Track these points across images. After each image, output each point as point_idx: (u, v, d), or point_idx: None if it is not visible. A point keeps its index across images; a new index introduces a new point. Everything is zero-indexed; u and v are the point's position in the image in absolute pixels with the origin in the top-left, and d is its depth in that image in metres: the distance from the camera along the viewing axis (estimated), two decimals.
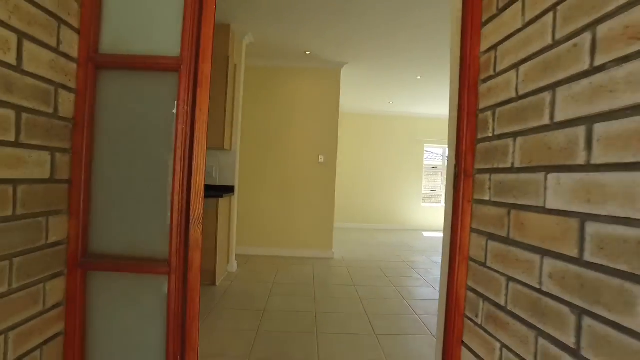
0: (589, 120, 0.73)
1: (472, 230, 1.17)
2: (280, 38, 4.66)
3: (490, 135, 1.10)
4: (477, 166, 1.17)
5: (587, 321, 0.71)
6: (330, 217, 5.31)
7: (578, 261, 0.74)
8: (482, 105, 1.16)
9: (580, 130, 0.75)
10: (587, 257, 0.72)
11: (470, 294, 1.17)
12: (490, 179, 1.09)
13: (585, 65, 0.75)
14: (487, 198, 1.10)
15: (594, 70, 0.73)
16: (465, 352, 1.18)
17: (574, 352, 0.74)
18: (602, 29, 0.71)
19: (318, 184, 5.29)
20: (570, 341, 0.75)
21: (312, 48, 4.96)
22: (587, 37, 0.75)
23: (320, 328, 3.01)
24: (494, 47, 1.10)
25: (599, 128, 0.71)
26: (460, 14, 1.26)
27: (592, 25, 0.73)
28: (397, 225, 8.58)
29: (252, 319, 3.11)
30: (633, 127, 0.64)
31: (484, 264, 1.10)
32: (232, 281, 4.12)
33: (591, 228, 0.71)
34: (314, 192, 5.30)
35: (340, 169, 7.87)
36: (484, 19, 1.17)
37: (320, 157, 5.27)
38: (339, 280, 4.34)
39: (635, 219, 0.62)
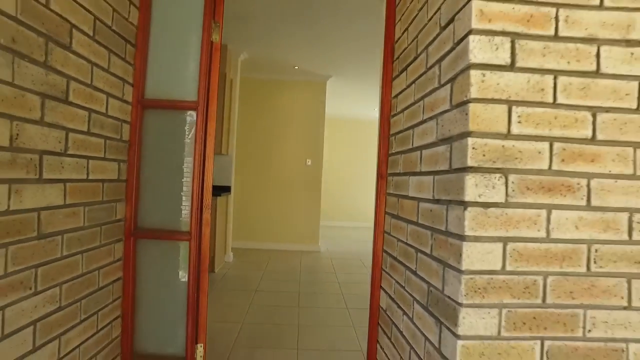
0: (423, 147, 1.37)
1: (386, 212, 1.82)
2: (271, 55, 5.31)
3: (393, 152, 1.74)
4: (389, 171, 1.81)
5: (419, 255, 1.35)
6: (317, 215, 5.94)
7: (416, 223, 1.38)
8: (391, 132, 1.80)
9: (417, 153, 1.40)
10: (421, 220, 1.35)
11: (384, 254, 1.81)
12: (392, 180, 1.73)
13: (421, 117, 1.39)
14: (391, 191, 1.74)
15: (423, 120, 1.37)
16: (382, 293, 1.82)
17: (414, 272, 1.38)
18: (429, 100, 1.35)
19: (306, 184, 5.93)
20: (414, 267, 1.39)
21: (300, 63, 5.60)
22: (422, 103, 1.39)
23: (302, 303, 3.64)
24: (396, 96, 1.75)
25: (424, 152, 1.35)
26: (381, 71, 1.90)
27: (423, 97, 1.38)
28: None
29: (246, 297, 3.74)
30: (429, 153, 1.28)
31: (389, 233, 1.74)
32: (229, 269, 4.75)
33: (421, 204, 1.35)
34: (302, 192, 5.94)
35: (327, 171, 8.51)
36: (393, 75, 1.82)
37: (307, 160, 5.90)
38: (323, 269, 4.97)
39: (423, 198, 1.26)
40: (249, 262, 5.12)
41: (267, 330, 2.97)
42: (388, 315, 1.67)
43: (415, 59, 1.49)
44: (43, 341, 1.21)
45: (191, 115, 1.80)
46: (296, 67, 5.72)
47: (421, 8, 1.43)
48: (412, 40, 1.54)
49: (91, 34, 1.39)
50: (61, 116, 1.25)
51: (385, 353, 1.70)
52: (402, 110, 1.64)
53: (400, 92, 1.68)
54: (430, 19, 1.33)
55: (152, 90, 1.79)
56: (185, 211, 1.81)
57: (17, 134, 1.06)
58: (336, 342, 2.85)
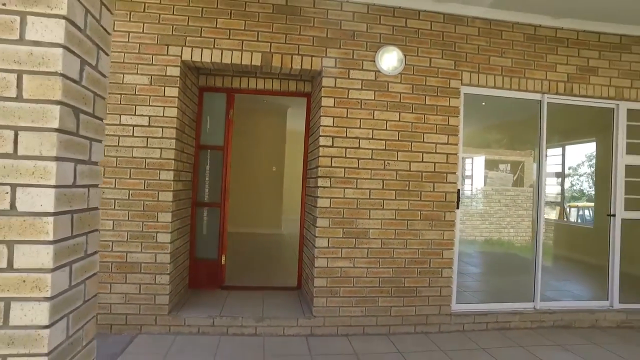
0: None
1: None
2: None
3: None
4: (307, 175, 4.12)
5: None
6: (280, 207, 8.21)
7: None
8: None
9: None
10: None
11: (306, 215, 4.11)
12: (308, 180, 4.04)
13: None
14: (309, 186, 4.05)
15: None
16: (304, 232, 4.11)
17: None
18: None
19: (272, 185, 8.19)
20: None
21: (268, 98, 7.85)
22: None
23: (266, 256, 5.91)
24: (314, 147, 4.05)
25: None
26: (304, 127, 4.22)
27: None
28: None
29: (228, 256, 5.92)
30: None
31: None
32: None
33: None
34: (269, 190, 8.19)
35: (288, 175, 10.78)
36: (310, 131, 4.11)
37: (273, 167, 8.17)
38: (283, 243, 7.27)
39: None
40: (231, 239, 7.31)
41: (247, 245, 5.21)
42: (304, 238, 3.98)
43: None
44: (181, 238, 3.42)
45: (220, 152, 4.04)
46: (265, 100, 7.97)
47: None
48: None
49: (187, 122, 3.61)
50: (186, 156, 3.47)
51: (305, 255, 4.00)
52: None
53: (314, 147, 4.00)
54: None
55: (203, 139, 4.01)
56: (218, 193, 4.04)
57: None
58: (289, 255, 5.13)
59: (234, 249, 6.22)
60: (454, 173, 3.56)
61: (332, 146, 3.37)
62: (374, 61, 3.44)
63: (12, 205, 1.09)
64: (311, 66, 3.40)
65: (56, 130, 1.11)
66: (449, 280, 3.54)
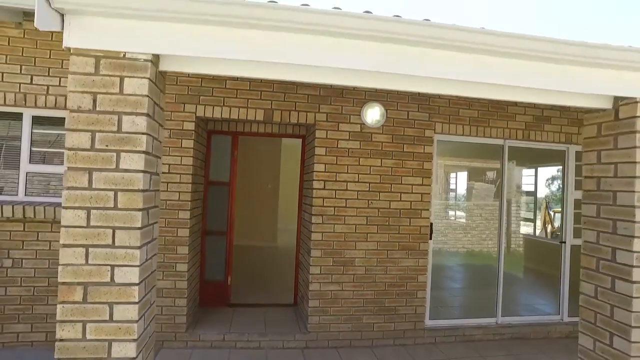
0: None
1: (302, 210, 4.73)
2: None
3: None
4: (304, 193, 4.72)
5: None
6: (275, 220, 8.81)
7: None
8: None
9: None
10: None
11: (302, 229, 4.72)
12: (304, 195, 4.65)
13: None
14: (304, 202, 4.66)
15: None
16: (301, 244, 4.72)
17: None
18: None
19: (268, 199, 8.78)
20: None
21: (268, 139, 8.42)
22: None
23: (265, 271, 6.50)
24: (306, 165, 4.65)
25: None
26: (300, 164, 4.82)
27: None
28: None
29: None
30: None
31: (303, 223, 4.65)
32: None
33: None
34: (266, 204, 8.78)
35: (282, 189, 11.38)
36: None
37: (269, 184, 8.76)
38: (278, 255, 7.86)
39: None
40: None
41: (249, 266, 5.80)
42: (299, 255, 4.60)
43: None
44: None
45: (226, 187, 4.63)
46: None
47: None
48: None
49: (199, 164, 4.20)
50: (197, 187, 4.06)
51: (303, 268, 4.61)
52: None
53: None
54: None
55: (212, 176, 4.60)
56: (225, 223, 4.63)
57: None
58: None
59: (235, 263, 6.81)
60: (427, 209, 4.20)
61: (324, 189, 3.99)
62: (360, 115, 4.06)
63: (112, 278, 1.69)
64: (306, 120, 4.01)
65: (138, 228, 1.72)
66: (422, 300, 4.19)
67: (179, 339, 3.81)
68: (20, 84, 3.62)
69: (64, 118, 3.87)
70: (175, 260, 3.81)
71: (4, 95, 3.58)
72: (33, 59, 3.65)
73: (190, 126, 3.85)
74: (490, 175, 4.86)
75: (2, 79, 3.59)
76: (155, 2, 1.69)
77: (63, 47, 1.71)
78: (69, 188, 1.67)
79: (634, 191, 2.29)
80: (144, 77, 1.74)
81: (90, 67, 1.72)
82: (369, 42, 1.91)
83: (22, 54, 3.64)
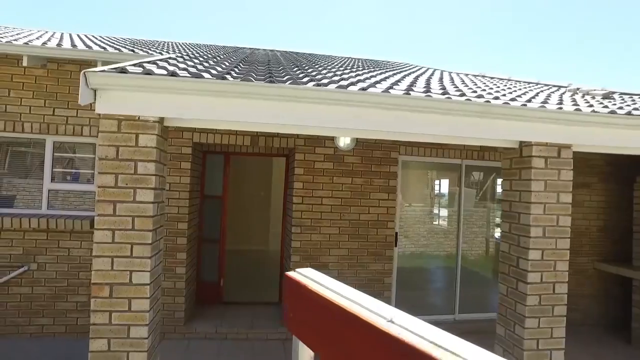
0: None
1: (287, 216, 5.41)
2: None
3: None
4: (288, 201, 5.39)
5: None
6: (267, 224, 9.48)
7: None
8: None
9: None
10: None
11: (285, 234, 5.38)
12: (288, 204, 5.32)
13: None
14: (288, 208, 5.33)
15: None
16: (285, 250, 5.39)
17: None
18: None
19: (257, 209, 9.46)
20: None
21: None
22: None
23: (255, 272, 7.15)
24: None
25: None
26: (284, 180, 5.49)
27: None
28: None
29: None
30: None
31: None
32: None
33: None
34: (255, 213, 9.45)
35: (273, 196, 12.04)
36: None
37: (262, 192, 9.43)
38: (267, 254, 8.51)
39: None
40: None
41: (240, 269, 6.46)
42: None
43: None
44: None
45: (219, 200, 5.30)
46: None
47: None
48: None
49: (195, 181, 4.86)
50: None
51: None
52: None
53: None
54: None
55: (207, 190, 5.27)
56: (218, 231, 5.30)
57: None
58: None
59: (227, 266, 7.46)
60: (393, 221, 4.87)
61: (302, 203, 4.66)
62: (333, 140, 4.73)
63: (130, 280, 2.36)
64: (287, 145, 4.68)
65: (149, 244, 2.39)
66: (389, 300, 4.85)
67: (177, 332, 4.47)
68: (44, 115, 4.30)
69: (81, 143, 4.56)
70: (175, 264, 4.47)
71: (31, 125, 4.26)
72: (55, 94, 4.32)
73: (188, 150, 4.52)
74: (452, 189, 5.54)
75: (30, 111, 4.26)
76: (156, 82, 2.37)
77: (95, 113, 2.39)
78: (99, 215, 2.34)
79: (529, 213, 2.97)
80: (153, 134, 2.41)
81: (114, 127, 2.39)
82: (341, 106, 2.59)
83: (46, 89, 4.31)
